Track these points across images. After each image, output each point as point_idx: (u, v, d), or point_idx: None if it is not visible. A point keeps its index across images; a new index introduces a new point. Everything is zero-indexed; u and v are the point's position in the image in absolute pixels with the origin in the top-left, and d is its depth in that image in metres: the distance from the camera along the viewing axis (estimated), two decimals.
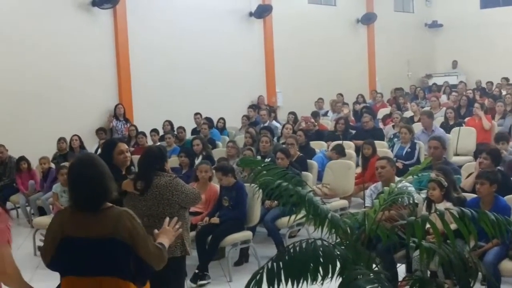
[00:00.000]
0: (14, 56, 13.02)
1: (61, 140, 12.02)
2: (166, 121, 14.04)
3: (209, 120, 14.23)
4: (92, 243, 3.55)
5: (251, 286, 3.11)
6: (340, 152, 10.33)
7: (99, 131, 13.86)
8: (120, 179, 5.28)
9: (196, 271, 7.52)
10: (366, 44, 21.88)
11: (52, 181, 10.36)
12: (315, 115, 14.41)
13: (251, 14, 17.83)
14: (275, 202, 8.14)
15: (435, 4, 24.65)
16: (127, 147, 5.72)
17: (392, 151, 10.75)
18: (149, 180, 5.19)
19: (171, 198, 5.19)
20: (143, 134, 12.95)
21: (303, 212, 3.70)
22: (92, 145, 12.73)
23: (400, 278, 5.78)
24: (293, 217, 3.81)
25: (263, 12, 17.88)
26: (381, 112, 15.94)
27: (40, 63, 13.41)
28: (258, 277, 3.13)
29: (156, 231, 4.03)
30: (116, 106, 14.56)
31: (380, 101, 17.77)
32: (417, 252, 4.80)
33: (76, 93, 14.02)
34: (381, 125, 13.98)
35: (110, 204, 3.67)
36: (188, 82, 15.99)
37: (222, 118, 14.69)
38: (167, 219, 4.15)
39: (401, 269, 6.32)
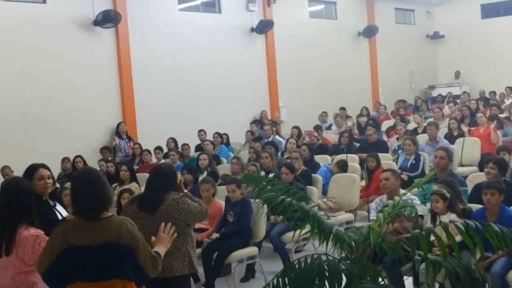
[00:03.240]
0: (18, 76, 13.09)
1: (65, 160, 12.05)
2: (170, 138, 14.04)
3: (220, 135, 14.26)
4: (99, 250, 3.76)
5: None
6: (342, 167, 10.33)
7: (103, 150, 13.88)
8: (41, 205, 5.04)
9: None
10: (368, 56, 21.93)
11: (56, 201, 10.34)
12: (317, 128, 14.43)
13: (252, 30, 17.90)
14: (280, 217, 8.13)
15: (436, 15, 24.72)
16: (49, 173, 5.37)
17: (396, 163, 10.74)
18: (160, 201, 5.14)
19: (178, 217, 5.17)
20: (148, 151, 12.95)
21: (308, 227, 3.70)
22: (96, 164, 12.74)
23: None
24: (298, 232, 3.81)
25: (264, 27, 17.95)
26: (385, 124, 15.93)
27: (43, 83, 13.48)
28: None
29: (153, 238, 4.24)
30: (118, 124, 14.59)
31: (384, 113, 17.77)
32: (423, 265, 4.78)
33: (80, 112, 14.07)
34: (385, 138, 13.97)
35: (110, 214, 3.92)
36: (191, 98, 16.02)
37: (225, 134, 14.69)
38: (162, 225, 4.32)
39: (408, 282, 6.28)
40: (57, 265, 3.80)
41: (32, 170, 5.33)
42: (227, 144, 14.70)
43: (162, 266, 4.98)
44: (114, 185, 11.22)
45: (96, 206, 3.85)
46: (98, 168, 12.11)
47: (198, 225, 7.56)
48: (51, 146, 13.07)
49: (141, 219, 4.99)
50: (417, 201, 6.40)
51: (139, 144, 13.89)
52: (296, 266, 3.21)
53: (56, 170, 11.98)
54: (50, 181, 5.31)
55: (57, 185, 11.15)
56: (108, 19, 14.30)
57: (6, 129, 12.79)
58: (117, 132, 14.54)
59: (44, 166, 5.35)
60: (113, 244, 3.76)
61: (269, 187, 3.94)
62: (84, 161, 12.12)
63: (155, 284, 4.95)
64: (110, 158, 13.17)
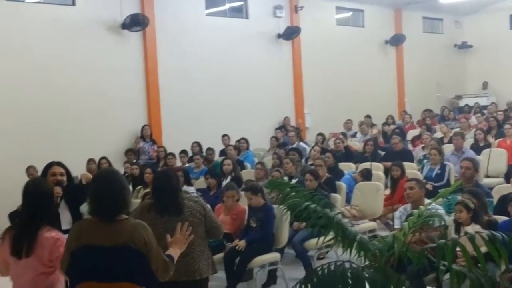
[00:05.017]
0: (45, 77, 13.23)
1: (90, 161, 12.13)
2: (195, 142, 14.08)
3: (246, 141, 14.28)
4: (109, 251, 3.78)
5: None
6: (365, 176, 10.29)
7: (128, 152, 13.95)
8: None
9: None
10: (395, 65, 21.82)
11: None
12: (343, 135, 14.38)
13: (279, 36, 17.90)
14: (303, 224, 8.10)
15: (464, 25, 24.52)
16: (62, 170, 5.59)
17: (421, 172, 10.66)
18: (182, 203, 5.13)
19: (201, 218, 5.17)
20: (173, 155, 12.99)
21: (331, 234, 3.68)
22: (121, 166, 12.82)
23: None
24: (321, 239, 3.79)
25: (291, 34, 17.94)
26: (411, 134, 15.83)
27: (70, 84, 13.60)
28: None
29: (169, 238, 4.20)
30: (143, 127, 14.67)
31: (410, 122, 17.66)
32: (447, 275, 4.73)
33: (106, 114, 14.19)
34: (410, 147, 13.87)
35: (126, 216, 3.92)
36: (216, 103, 16.07)
37: (244, 139, 14.61)
38: (178, 225, 4.26)
39: None
40: (71, 262, 3.87)
41: (48, 166, 5.62)
42: (247, 149, 14.66)
43: (191, 269, 5.01)
44: (138, 187, 11.30)
45: (111, 208, 3.87)
46: (122, 170, 12.22)
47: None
48: (77, 147, 13.17)
49: (164, 224, 4.94)
50: (442, 211, 6.34)
51: (164, 148, 13.94)
52: (319, 272, 3.19)
53: (82, 171, 12.06)
54: (61, 178, 5.42)
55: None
56: (136, 22, 14.41)
57: (33, 130, 12.94)
58: (142, 135, 14.63)
59: (59, 164, 5.54)
60: (124, 247, 3.77)
61: (293, 193, 3.93)
62: (109, 163, 12.19)
63: (183, 287, 4.99)
64: (134, 161, 13.25)
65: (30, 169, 11.39)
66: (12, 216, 10.72)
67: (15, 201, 6.32)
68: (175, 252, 4.11)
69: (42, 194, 4.31)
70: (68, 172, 5.60)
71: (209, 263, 5.25)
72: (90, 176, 6.63)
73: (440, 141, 13.23)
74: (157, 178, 5.48)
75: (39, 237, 4.14)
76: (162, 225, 4.70)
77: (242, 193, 8.82)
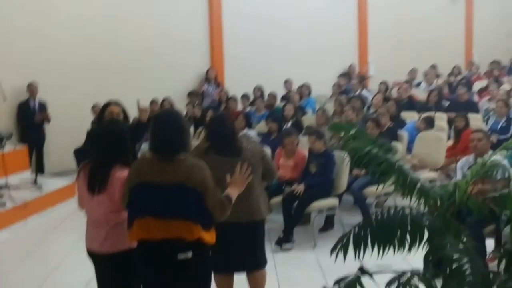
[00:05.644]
0: (112, 18, 13.40)
1: (153, 102, 12.30)
2: (257, 86, 14.11)
3: (308, 87, 14.24)
4: (166, 189, 3.86)
5: (337, 249, 3.13)
6: (428, 123, 10.12)
7: (191, 94, 14.08)
8: None
9: (281, 234, 7.62)
10: (463, 13, 21.14)
11: (143, 141, 10.65)
12: (407, 84, 14.15)
13: None
14: (363, 171, 8.11)
15: None
16: (119, 110, 5.70)
17: (486, 124, 10.47)
18: (240, 146, 5.14)
19: (260, 160, 5.21)
20: (234, 98, 13.06)
21: (392, 180, 3.66)
22: (184, 108, 12.97)
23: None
24: (381, 185, 3.77)
25: None
26: (477, 85, 15.45)
27: (136, 27, 13.75)
28: (345, 241, 3.14)
29: (228, 178, 4.22)
30: (207, 70, 14.76)
31: (476, 73, 17.22)
32: (507, 229, 4.68)
33: (170, 57, 14.30)
34: (476, 98, 13.58)
35: (184, 156, 3.96)
36: (279, 47, 15.96)
37: (306, 85, 14.52)
38: (238, 165, 4.28)
39: (489, 244, 6.21)
40: (131, 198, 3.99)
41: (106, 106, 5.77)
42: (309, 95, 14.63)
43: (252, 210, 5.09)
44: (199, 129, 11.45)
45: (169, 148, 3.93)
46: (184, 112, 12.38)
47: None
48: (141, 89, 13.35)
49: (225, 165, 4.93)
50: (506, 162, 6.24)
51: (226, 91, 14.03)
52: (379, 217, 3.21)
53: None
54: (119, 117, 5.55)
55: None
56: None
57: (99, 70, 13.16)
58: (206, 77, 14.72)
59: (117, 103, 5.67)
60: (181, 185, 3.83)
61: (354, 138, 3.90)
62: (172, 104, 12.34)
63: (244, 228, 5.07)
64: (197, 103, 13.38)
65: (95, 108, 11.65)
66: (77, 152, 11.05)
67: (81, 138, 6.55)
68: (233, 192, 4.12)
69: (117, 134, 4.42)
70: (124, 112, 5.72)
71: (266, 205, 5.32)
72: (146, 108, 6.78)
73: (507, 94, 12.90)
74: (211, 123, 5.48)
75: (111, 176, 4.26)
76: (223, 166, 4.69)
77: (302, 138, 8.86)
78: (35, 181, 10.22)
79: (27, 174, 10.94)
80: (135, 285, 4.27)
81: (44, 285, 6.65)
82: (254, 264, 5.32)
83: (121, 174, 4.21)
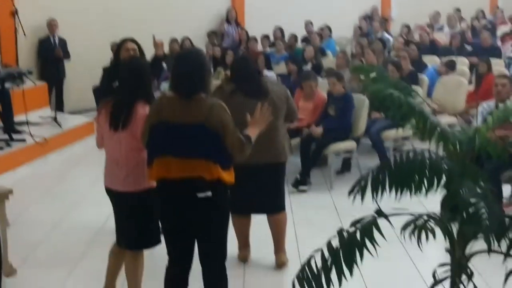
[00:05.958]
0: None
1: (173, 41, 12.23)
2: (277, 27, 13.97)
3: (329, 28, 14.08)
4: (185, 128, 3.86)
5: (355, 191, 3.13)
6: (450, 66, 9.97)
7: (211, 34, 13.99)
8: None
9: (298, 176, 7.66)
10: None
11: (163, 80, 10.66)
12: (429, 28, 13.94)
13: None
14: (382, 114, 8.06)
15: None
16: (135, 46, 5.65)
17: (508, 70, 10.33)
18: (266, 87, 5.09)
19: (285, 101, 5.18)
20: (255, 39, 12.95)
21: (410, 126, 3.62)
22: (204, 48, 12.90)
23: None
24: (400, 129, 3.74)
25: None
26: (501, 30, 15.16)
27: None
28: (363, 183, 3.14)
29: (248, 117, 4.15)
30: (228, 10, 14.60)
31: (501, 17, 16.88)
32: None
33: None
34: (499, 43, 13.36)
35: (204, 96, 3.93)
36: None
37: (327, 26, 14.35)
38: (259, 104, 4.20)
39: (506, 190, 6.24)
40: (150, 136, 3.98)
41: (122, 42, 5.73)
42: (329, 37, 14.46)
43: (277, 151, 5.10)
44: (218, 69, 11.41)
45: (190, 86, 3.90)
46: (204, 51, 12.31)
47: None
48: (161, 27, 13.20)
49: (252, 106, 4.85)
50: None
51: (246, 31, 13.90)
52: (398, 160, 3.20)
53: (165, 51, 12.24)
54: (134, 53, 5.53)
55: (164, 65, 11.46)
56: None
57: (118, 7, 13.07)
58: (227, 18, 14.57)
59: (133, 40, 5.67)
60: (200, 125, 3.82)
61: (375, 81, 3.86)
62: (192, 43, 12.27)
63: (267, 169, 5.09)
64: (216, 43, 13.30)
65: (113, 46, 11.60)
66: (96, 91, 11.06)
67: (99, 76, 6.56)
68: (253, 132, 4.06)
69: (140, 71, 4.41)
70: (140, 48, 5.71)
71: (289, 147, 5.33)
72: (162, 42, 6.76)
73: None
74: (236, 64, 5.43)
75: (134, 112, 4.26)
76: (250, 108, 4.59)
77: (321, 80, 8.81)
78: (55, 118, 10.29)
79: (47, 111, 11.01)
80: (152, 224, 4.33)
81: (64, 220, 6.77)
82: (276, 207, 5.36)
83: (144, 111, 4.22)
